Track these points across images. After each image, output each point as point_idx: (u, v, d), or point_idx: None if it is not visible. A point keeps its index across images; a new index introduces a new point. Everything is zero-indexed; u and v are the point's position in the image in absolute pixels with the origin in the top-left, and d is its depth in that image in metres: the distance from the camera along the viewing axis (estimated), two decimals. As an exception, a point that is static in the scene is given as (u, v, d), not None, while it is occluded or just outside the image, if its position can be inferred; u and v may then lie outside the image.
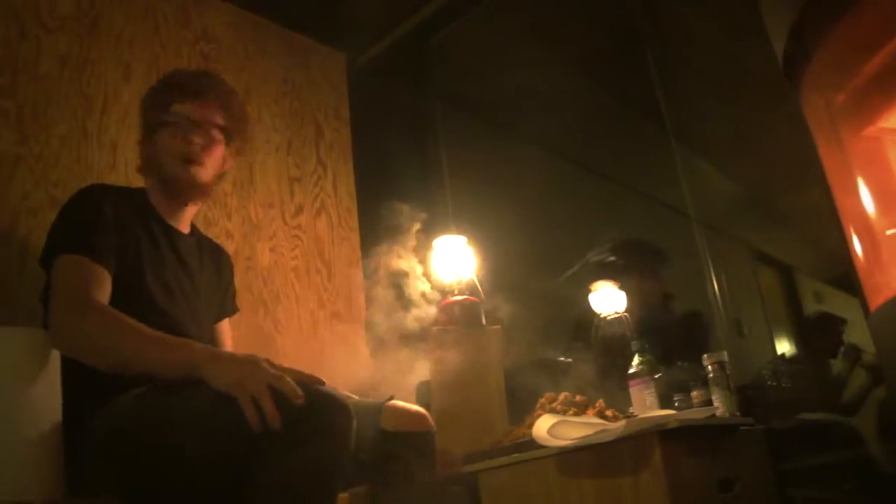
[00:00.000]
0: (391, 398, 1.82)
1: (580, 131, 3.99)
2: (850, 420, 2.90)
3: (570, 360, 2.57)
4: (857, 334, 3.61)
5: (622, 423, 1.85)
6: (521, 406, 2.28)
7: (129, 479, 1.45)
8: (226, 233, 2.67)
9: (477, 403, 2.25)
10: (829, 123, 1.84)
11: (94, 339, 1.49)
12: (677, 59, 3.65)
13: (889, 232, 1.74)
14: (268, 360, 1.38)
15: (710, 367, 2.17)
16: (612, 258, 2.95)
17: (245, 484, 1.29)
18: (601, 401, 2.19)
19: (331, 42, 3.33)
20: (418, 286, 2.40)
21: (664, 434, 1.80)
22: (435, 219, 3.09)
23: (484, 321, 2.40)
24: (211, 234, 2.58)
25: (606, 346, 2.64)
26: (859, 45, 1.65)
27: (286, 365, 1.53)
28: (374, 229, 1.90)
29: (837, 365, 3.41)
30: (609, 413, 2.12)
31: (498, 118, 3.87)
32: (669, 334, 2.83)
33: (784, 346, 5.24)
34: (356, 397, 1.88)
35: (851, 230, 1.88)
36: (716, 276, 3.66)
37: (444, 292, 2.42)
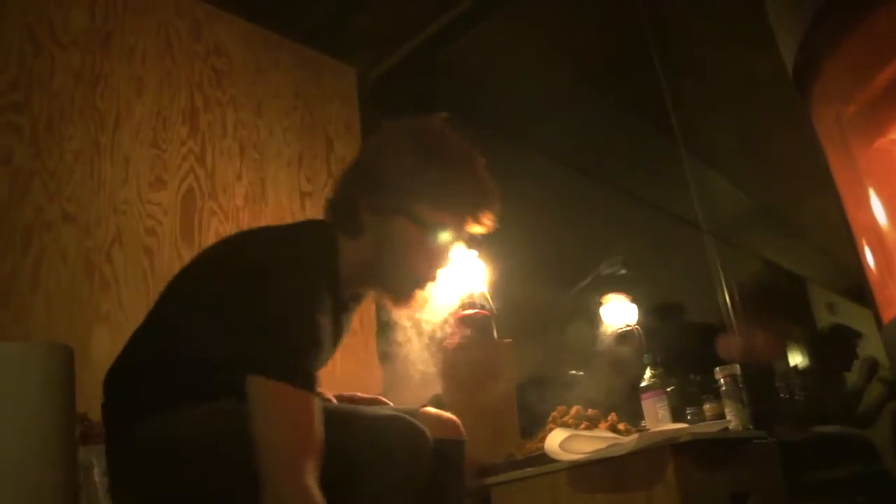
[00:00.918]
0: (425, 405, 1.79)
1: (590, 143, 3.99)
2: (865, 433, 2.89)
3: (581, 373, 2.56)
4: (871, 347, 3.60)
5: (635, 436, 1.84)
6: (533, 420, 2.27)
7: (166, 490, 1.43)
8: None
9: (489, 417, 2.25)
10: (839, 135, 1.83)
11: None
12: (687, 70, 3.65)
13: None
14: None
15: (722, 380, 2.16)
16: (624, 270, 2.93)
17: None
18: (613, 414, 2.18)
19: (341, 56, 3.35)
20: (430, 301, 2.39)
21: (677, 448, 1.79)
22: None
23: (495, 335, 2.39)
24: (223, 248, 2.60)
25: (617, 360, 2.63)
26: (870, 57, 1.65)
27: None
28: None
29: (852, 377, 3.39)
30: (621, 426, 2.12)
31: (507, 130, 3.87)
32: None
33: (796, 359, 5.21)
34: (391, 404, 1.88)
35: (864, 242, 1.87)
36: (727, 287, 3.64)
37: (456, 306, 2.41)
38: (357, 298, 1.69)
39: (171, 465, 1.40)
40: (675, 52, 3.50)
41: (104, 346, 2.23)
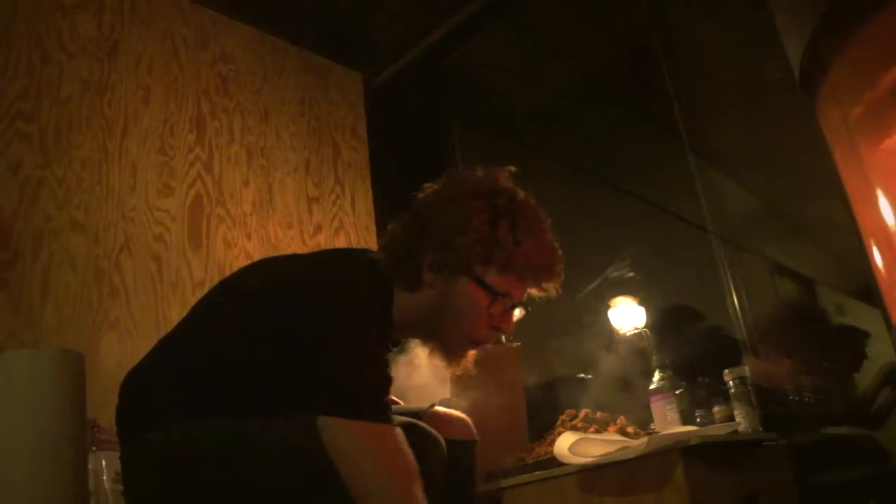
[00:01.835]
0: (433, 406, 1.78)
1: (597, 146, 3.99)
2: (875, 434, 2.87)
3: (589, 376, 2.56)
4: (880, 347, 3.58)
5: (644, 440, 1.84)
6: (542, 423, 2.27)
7: (179, 500, 1.43)
8: (245, 253, 2.68)
9: (498, 421, 2.25)
10: (846, 136, 1.83)
11: None
12: (692, 72, 3.65)
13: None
14: None
15: (731, 382, 2.16)
16: (631, 273, 2.93)
17: None
18: (622, 417, 2.18)
19: (348, 62, 3.36)
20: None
21: (686, 450, 1.79)
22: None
23: (504, 338, 2.39)
24: (230, 255, 2.61)
25: (626, 362, 2.63)
26: (876, 59, 1.65)
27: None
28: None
29: (863, 380, 3.37)
30: (630, 430, 2.12)
31: (515, 135, 3.88)
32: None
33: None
34: (402, 403, 1.88)
35: (872, 243, 1.87)
36: (735, 289, 3.63)
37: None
38: (397, 344, 1.66)
39: (187, 476, 1.40)
40: (682, 55, 3.50)
41: (113, 352, 2.24)
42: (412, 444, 1.37)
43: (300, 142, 3.06)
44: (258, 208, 2.80)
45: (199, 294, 1.84)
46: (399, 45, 3.45)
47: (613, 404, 2.35)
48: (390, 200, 3.24)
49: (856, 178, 1.86)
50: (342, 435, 1.28)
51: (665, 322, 2.89)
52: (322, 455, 1.31)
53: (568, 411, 2.24)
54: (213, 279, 2.47)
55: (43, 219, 2.22)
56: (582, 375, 2.59)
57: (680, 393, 2.23)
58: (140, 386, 1.51)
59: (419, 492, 1.27)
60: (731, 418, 2.12)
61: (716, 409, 2.19)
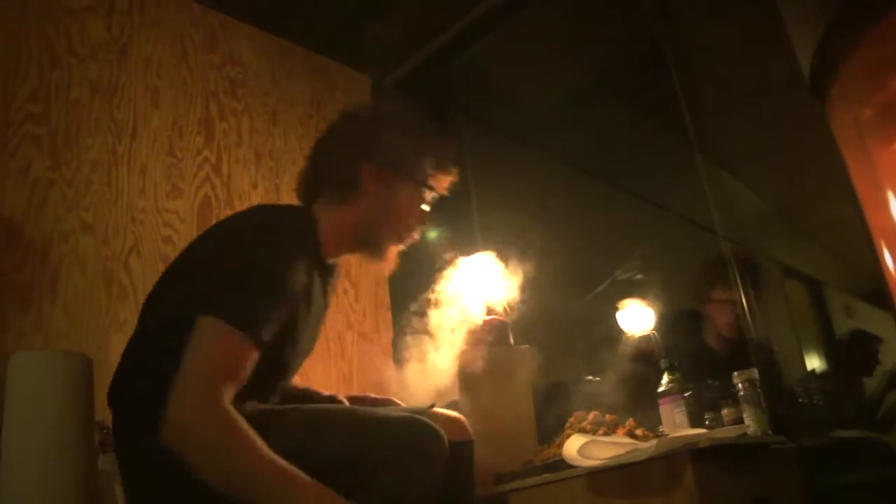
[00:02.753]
0: (432, 406, 1.79)
1: (605, 148, 3.99)
2: (885, 437, 2.86)
3: (598, 378, 2.55)
4: (891, 350, 3.57)
5: (653, 442, 1.84)
6: (551, 425, 2.27)
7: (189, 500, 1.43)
8: (254, 254, 2.68)
9: (506, 423, 2.24)
10: (857, 138, 1.82)
11: (210, 451, 1.31)
12: (701, 74, 3.64)
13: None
14: None
15: (740, 384, 2.15)
16: (640, 275, 2.92)
17: None
18: (631, 420, 2.18)
19: (356, 64, 3.36)
20: (446, 307, 2.39)
21: (696, 453, 1.78)
22: (462, 238, 3.10)
23: (512, 340, 2.39)
24: (239, 256, 2.61)
25: (634, 365, 2.63)
26: (886, 60, 1.65)
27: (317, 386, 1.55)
28: (402, 249, 1.92)
29: (872, 383, 3.36)
30: (639, 432, 2.11)
31: (523, 136, 3.88)
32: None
33: (814, 363, 5.18)
34: (402, 404, 1.88)
35: (883, 245, 1.86)
36: (744, 291, 3.62)
37: (472, 312, 2.41)
38: (331, 271, 1.79)
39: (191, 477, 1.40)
40: (690, 56, 3.49)
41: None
42: (414, 437, 1.39)
43: (308, 144, 3.01)
44: (266, 210, 2.80)
45: (208, 296, 1.85)
46: (407, 46, 3.45)
47: (622, 406, 2.34)
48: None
49: (866, 179, 1.85)
50: (203, 326, 1.36)
51: (674, 324, 2.88)
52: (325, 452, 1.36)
53: (577, 413, 2.24)
54: (222, 281, 2.47)
55: (52, 221, 2.23)
56: (590, 378, 2.59)
57: (689, 395, 2.23)
58: (122, 392, 1.52)
59: (228, 390, 1.33)
60: (741, 421, 2.12)
61: (725, 411, 2.18)
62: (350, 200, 1.69)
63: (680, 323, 2.96)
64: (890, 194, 1.78)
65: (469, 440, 1.77)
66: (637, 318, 2.66)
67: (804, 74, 1.86)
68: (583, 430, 2.11)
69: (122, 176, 2.44)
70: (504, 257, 2.46)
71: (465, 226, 3.36)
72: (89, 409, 1.55)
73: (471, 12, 3.27)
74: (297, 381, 1.91)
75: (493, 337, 2.34)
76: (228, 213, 2.63)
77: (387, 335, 2.97)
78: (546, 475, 2.03)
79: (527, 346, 2.37)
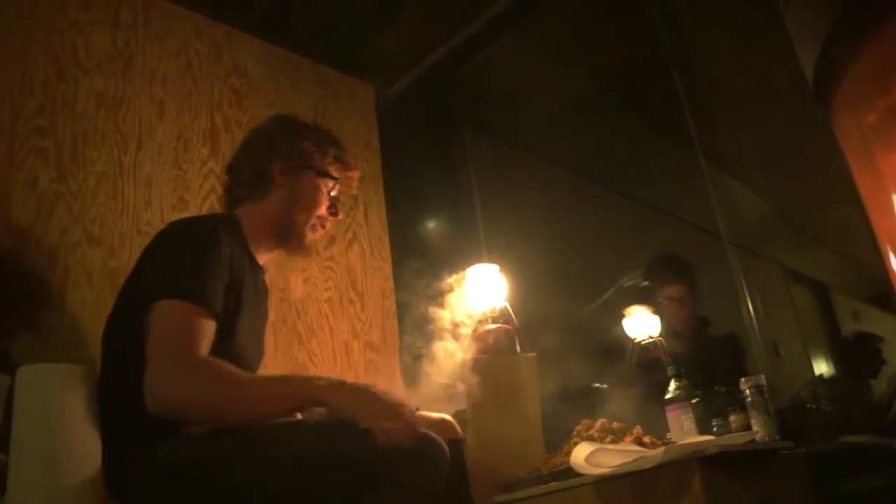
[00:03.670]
0: (417, 409, 1.81)
1: (610, 155, 3.99)
2: (894, 442, 2.85)
3: (605, 386, 2.55)
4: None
5: (661, 449, 1.83)
6: (558, 433, 2.26)
7: None
8: (259, 265, 2.69)
9: (514, 432, 2.24)
10: (861, 143, 1.82)
11: (205, 400, 1.43)
12: (704, 79, 3.65)
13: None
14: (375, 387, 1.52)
15: (747, 391, 2.14)
16: (646, 283, 2.92)
17: None
18: (638, 427, 2.17)
19: (359, 75, 3.37)
20: (452, 315, 2.40)
21: (704, 460, 1.78)
22: (467, 247, 3.10)
23: (519, 349, 2.39)
24: (245, 266, 2.62)
25: (641, 372, 2.62)
26: (890, 64, 1.64)
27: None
28: (407, 259, 1.95)
29: (879, 386, 3.34)
30: (647, 439, 2.10)
31: (527, 144, 3.88)
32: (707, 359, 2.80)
33: (821, 367, 5.17)
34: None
35: (888, 249, 1.85)
36: (750, 297, 3.62)
37: (479, 321, 2.41)
38: (262, 270, 1.96)
39: (208, 487, 1.42)
40: (693, 62, 3.50)
41: (129, 366, 2.25)
42: (419, 452, 1.41)
43: (313, 154, 3.06)
44: (272, 220, 2.81)
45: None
46: (410, 56, 3.46)
47: (629, 414, 2.34)
48: (403, 210, 3.24)
49: (871, 183, 1.84)
50: (158, 310, 1.49)
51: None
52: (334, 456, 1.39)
53: (584, 421, 2.23)
54: (228, 292, 2.47)
55: (59, 233, 2.23)
56: (597, 385, 2.58)
57: (696, 402, 2.22)
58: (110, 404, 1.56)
59: (203, 348, 1.47)
60: (748, 427, 2.11)
61: (732, 417, 2.18)
62: (265, 196, 1.90)
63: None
64: (895, 198, 1.77)
65: (460, 438, 1.81)
66: (643, 325, 2.65)
67: (807, 79, 1.85)
68: (590, 438, 2.11)
69: (127, 188, 2.45)
70: (509, 265, 2.46)
71: (470, 234, 3.36)
72: (95, 422, 1.55)
73: (474, 22, 3.28)
74: None
75: (499, 345, 2.34)
76: (234, 223, 2.64)
77: (393, 344, 2.97)
78: (554, 483, 2.03)
79: (533, 353, 2.37)
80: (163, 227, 2.43)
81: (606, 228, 3.90)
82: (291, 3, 3.08)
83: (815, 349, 5.31)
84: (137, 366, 1.48)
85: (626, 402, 2.40)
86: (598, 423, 2.20)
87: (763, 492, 1.93)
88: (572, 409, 2.35)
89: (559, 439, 2.24)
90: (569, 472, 1.99)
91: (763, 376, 2.17)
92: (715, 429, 2.21)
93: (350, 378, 2.77)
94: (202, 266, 1.59)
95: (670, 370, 2.29)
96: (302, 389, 1.48)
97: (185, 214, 2.56)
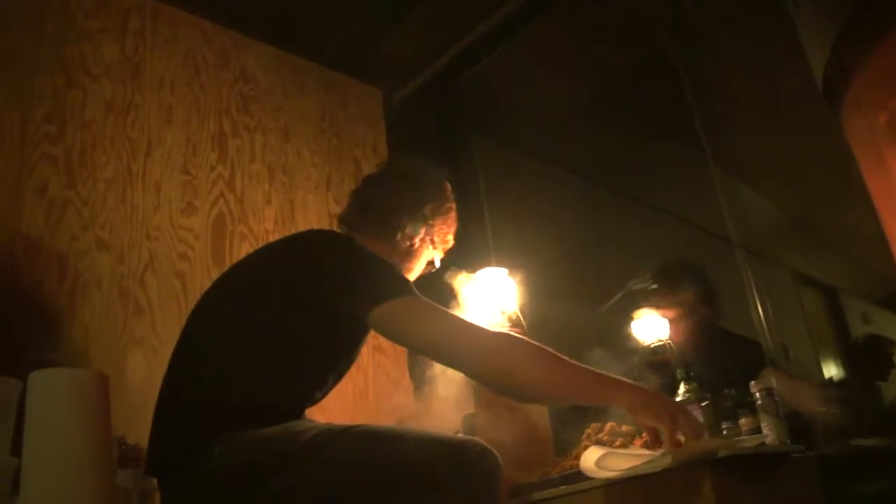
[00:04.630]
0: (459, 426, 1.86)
1: (618, 158, 3.99)
2: (905, 445, 2.83)
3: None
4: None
5: (671, 453, 1.82)
6: (568, 437, 2.26)
7: None
8: (268, 270, 2.69)
9: (523, 435, 2.24)
10: (872, 145, 1.81)
11: (530, 361, 1.55)
12: (712, 83, 3.64)
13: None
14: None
15: (757, 394, 2.13)
16: (655, 286, 2.90)
17: None
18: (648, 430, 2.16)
19: (367, 79, 3.38)
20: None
21: (714, 463, 1.77)
22: (475, 251, 3.10)
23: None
24: (254, 271, 2.62)
25: (650, 375, 2.61)
26: (900, 66, 1.64)
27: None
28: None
29: (890, 388, 3.33)
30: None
31: (535, 148, 3.88)
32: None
33: (831, 370, 5.15)
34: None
35: (899, 252, 1.84)
36: (759, 300, 3.61)
37: (488, 325, 2.41)
38: None
39: (259, 490, 1.44)
40: (701, 66, 3.49)
41: (139, 370, 2.26)
42: (478, 463, 1.45)
43: (321, 159, 3.08)
44: (280, 225, 2.82)
45: (224, 312, 1.86)
46: (418, 61, 3.47)
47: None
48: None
49: (882, 186, 1.84)
50: (392, 314, 1.54)
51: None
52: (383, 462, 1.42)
53: (593, 425, 2.22)
54: (237, 297, 2.48)
55: (69, 239, 2.25)
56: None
57: (706, 405, 2.21)
58: (176, 407, 1.58)
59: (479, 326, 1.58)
60: (758, 430, 2.10)
61: (742, 420, 2.17)
62: (381, 239, 1.91)
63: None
64: (905, 200, 1.77)
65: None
66: (652, 327, 2.64)
67: (817, 83, 1.85)
68: (600, 442, 2.10)
69: (136, 193, 2.46)
70: (517, 269, 2.46)
71: (479, 239, 3.36)
72: (107, 426, 1.56)
73: (480, 26, 3.28)
74: None
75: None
76: (243, 229, 2.66)
77: (402, 348, 2.97)
78: (563, 487, 2.02)
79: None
80: (172, 232, 2.49)
81: (614, 232, 3.90)
82: (298, 8, 3.09)
83: (825, 352, 5.29)
84: (250, 363, 1.55)
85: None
86: (608, 426, 2.19)
87: (774, 495, 1.93)
88: (581, 412, 2.34)
89: (568, 443, 2.23)
90: (579, 475, 1.98)
91: (773, 379, 2.16)
92: (725, 432, 2.20)
93: (359, 383, 2.78)
94: (390, 267, 1.67)
95: (680, 373, 2.28)
96: (607, 390, 1.61)
97: (194, 219, 2.58)
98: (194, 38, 2.80)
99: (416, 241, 1.96)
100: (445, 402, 2.24)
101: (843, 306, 5.86)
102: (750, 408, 2.16)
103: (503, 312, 2.42)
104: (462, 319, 1.58)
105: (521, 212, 3.54)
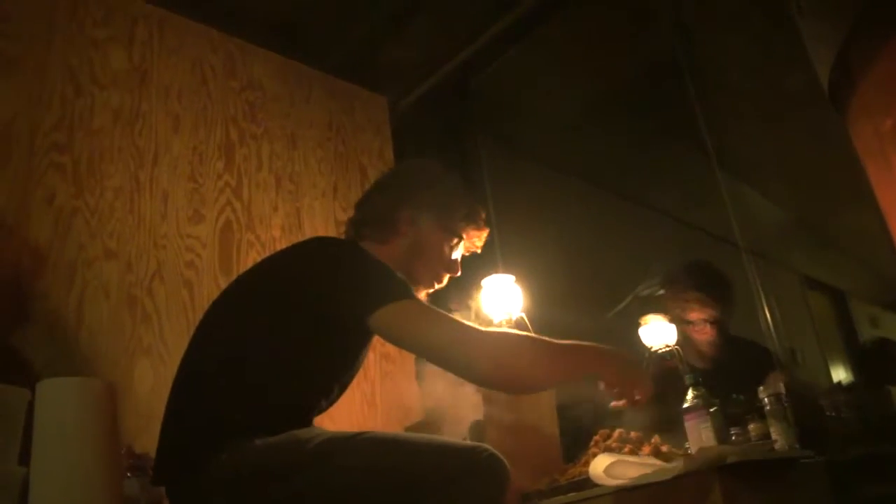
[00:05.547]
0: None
1: (624, 163, 3.98)
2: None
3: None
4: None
5: (680, 460, 1.82)
6: (576, 443, 2.25)
7: None
8: (275, 277, 2.70)
9: (531, 442, 2.23)
10: (878, 148, 1.81)
11: (532, 358, 1.57)
12: (717, 85, 3.64)
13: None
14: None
15: (766, 399, 2.13)
16: (662, 291, 2.89)
17: None
18: (656, 437, 2.16)
19: (373, 87, 3.39)
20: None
21: (723, 470, 1.77)
22: (482, 257, 3.09)
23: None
24: (261, 279, 2.63)
25: (658, 381, 2.60)
26: (906, 69, 1.64)
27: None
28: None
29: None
30: (664, 449, 2.09)
31: (541, 154, 3.88)
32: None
33: (840, 374, 5.13)
34: None
35: (907, 255, 1.84)
36: (767, 304, 3.59)
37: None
38: None
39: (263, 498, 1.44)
40: (707, 69, 3.49)
41: (147, 378, 2.26)
42: (485, 467, 1.45)
43: (328, 166, 3.08)
44: (287, 233, 2.82)
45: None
46: (423, 67, 3.47)
47: (647, 423, 2.32)
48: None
49: (889, 189, 1.83)
50: (391, 316, 1.53)
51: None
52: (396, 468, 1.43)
53: (601, 431, 2.22)
54: (244, 304, 2.48)
55: (77, 248, 2.25)
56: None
57: (714, 411, 2.21)
58: (187, 415, 1.58)
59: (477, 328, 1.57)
60: (767, 436, 2.09)
61: (751, 426, 2.16)
62: (389, 241, 1.87)
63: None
64: (913, 204, 1.76)
65: None
66: (660, 333, 2.64)
67: (822, 86, 1.85)
68: (608, 448, 2.10)
69: (144, 202, 2.47)
70: (524, 275, 2.46)
71: (486, 244, 3.36)
72: (114, 434, 1.56)
73: (486, 32, 3.28)
74: None
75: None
76: (250, 237, 2.66)
77: (409, 355, 2.96)
78: (572, 494, 2.02)
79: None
80: (180, 240, 2.50)
81: (621, 237, 3.89)
82: (304, 17, 3.10)
83: (833, 356, 5.27)
84: (255, 368, 1.56)
85: (643, 411, 2.38)
86: (616, 432, 2.19)
87: (783, 501, 1.92)
88: (589, 418, 2.33)
89: (577, 449, 2.23)
90: (587, 483, 1.98)
91: (782, 384, 2.15)
92: (734, 438, 2.19)
93: (366, 390, 2.78)
94: (391, 272, 1.65)
95: (688, 379, 2.28)
96: (590, 361, 1.67)
97: (201, 227, 2.59)
98: (201, 47, 2.82)
99: (421, 231, 1.90)
100: (453, 409, 2.24)
101: (851, 310, 5.84)
102: (758, 413, 2.15)
103: (510, 318, 2.42)
104: (461, 322, 1.57)
105: (528, 217, 3.54)
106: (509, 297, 2.48)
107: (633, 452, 2.06)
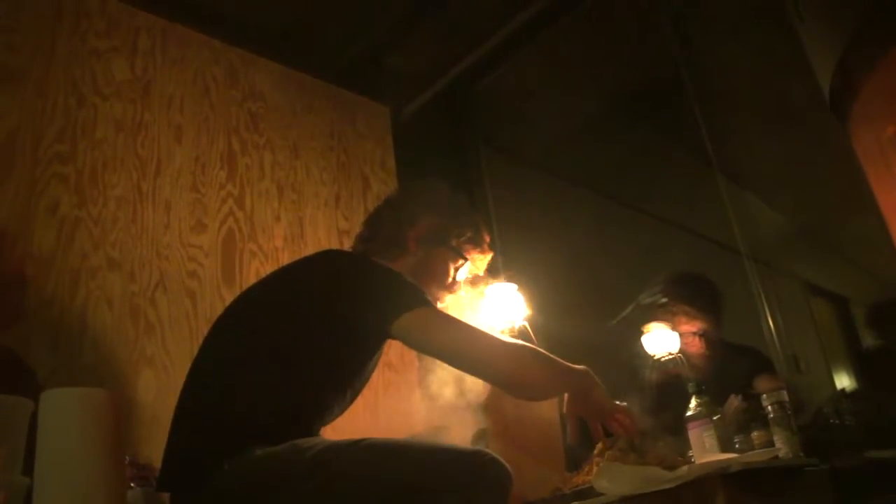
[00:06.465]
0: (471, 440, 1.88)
1: (626, 171, 3.98)
2: (920, 457, 2.81)
3: (624, 403, 2.53)
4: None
5: (685, 468, 1.82)
6: (580, 452, 2.25)
7: None
8: (278, 286, 2.70)
9: (535, 450, 2.23)
10: (880, 155, 1.81)
11: (538, 366, 1.65)
12: (719, 95, 3.64)
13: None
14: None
15: (769, 406, 2.12)
16: (665, 299, 2.88)
17: None
18: (660, 445, 2.15)
19: (375, 96, 3.39)
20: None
21: (727, 478, 1.76)
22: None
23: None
24: (264, 288, 2.63)
25: (661, 389, 2.60)
26: (907, 77, 1.64)
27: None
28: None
29: (903, 400, 3.31)
30: (668, 457, 2.09)
31: (543, 162, 3.88)
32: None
33: (843, 381, 5.11)
34: None
35: (909, 262, 1.84)
36: (770, 312, 3.59)
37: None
38: None
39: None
40: (709, 78, 3.49)
41: (150, 388, 2.26)
42: (488, 474, 1.46)
43: (330, 176, 3.09)
44: (290, 243, 2.82)
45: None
46: (425, 76, 3.48)
47: (650, 431, 2.32)
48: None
49: (890, 195, 1.84)
50: (412, 324, 1.59)
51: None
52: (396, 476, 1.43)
53: (605, 440, 2.21)
54: (247, 314, 2.49)
55: (80, 258, 2.26)
56: (617, 403, 2.56)
57: (718, 419, 2.20)
58: (194, 424, 1.59)
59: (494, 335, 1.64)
60: (771, 444, 2.09)
61: (755, 434, 2.16)
62: (397, 259, 1.91)
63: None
64: (915, 211, 1.76)
65: None
66: (663, 341, 2.64)
67: (824, 94, 1.86)
68: (612, 457, 2.09)
69: (147, 212, 2.47)
70: (526, 284, 2.46)
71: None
72: (118, 444, 1.56)
73: (488, 42, 3.29)
74: None
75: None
76: (252, 246, 2.67)
77: (411, 364, 2.96)
78: (576, 503, 2.01)
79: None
80: (182, 250, 2.50)
81: (624, 245, 3.89)
82: (305, 27, 3.11)
83: (837, 363, 5.25)
84: (268, 378, 1.58)
85: (646, 419, 2.38)
86: (619, 440, 2.18)
87: (788, 509, 1.92)
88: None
89: (581, 458, 2.22)
90: (591, 491, 1.97)
91: (785, 392, 2.14)
92: (737, 446, 2.18)
93: (368, 399, 2.78)
94: (409, 281, 1.71)
95: (691, 387, 2.27)
96: (573, 381, 1.75)
97: (204, 237, 2.59)
98: (203, 57, 2.82)
99: (428, 251, 1.95)
100: (456, 417, 2.24)
101: (855, 317, 5.83)
102: (762, 421, 2.15)
103: (512, 327, 2.42)
104: (478, 329, 1.64)
105: (529, 226, 3.54)
106: (512, 306, 2.47)
107: (636, 461, 2.06)
